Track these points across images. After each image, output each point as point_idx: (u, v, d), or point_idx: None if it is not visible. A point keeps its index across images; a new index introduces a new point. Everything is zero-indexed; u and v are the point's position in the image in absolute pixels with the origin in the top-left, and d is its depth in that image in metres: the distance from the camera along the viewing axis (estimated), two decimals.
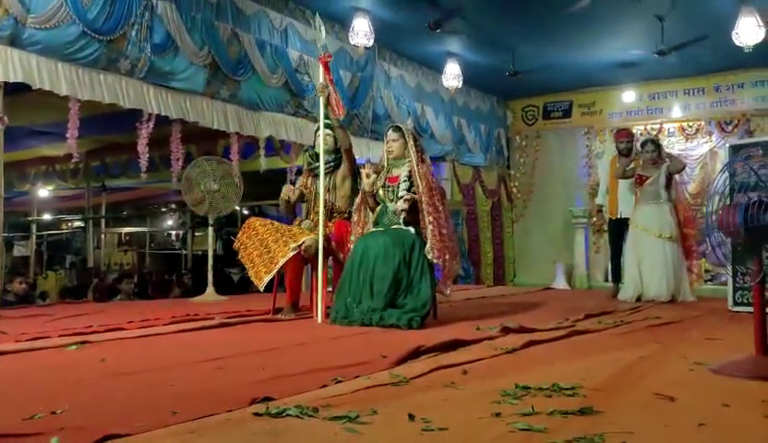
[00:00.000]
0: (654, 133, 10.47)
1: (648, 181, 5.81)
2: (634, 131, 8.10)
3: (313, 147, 4.78)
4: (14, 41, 4.90)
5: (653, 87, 10.78)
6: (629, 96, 10.80)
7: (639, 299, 5.67)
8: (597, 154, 11.25)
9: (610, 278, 7.04)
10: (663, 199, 5.76)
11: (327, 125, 4.58)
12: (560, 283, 10.52)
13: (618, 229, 6.33)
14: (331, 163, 4.57)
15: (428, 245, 3.93)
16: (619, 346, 3.10)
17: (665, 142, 7.62)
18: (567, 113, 11.68)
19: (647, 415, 1.84)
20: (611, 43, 8.82)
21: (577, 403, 1.90)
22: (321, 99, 4.39)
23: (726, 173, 2.54)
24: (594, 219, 10.67)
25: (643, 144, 6.07)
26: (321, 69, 4.36)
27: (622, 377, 2.35)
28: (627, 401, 2.01)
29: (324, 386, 2.17)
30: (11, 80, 4.93)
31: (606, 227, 7.98)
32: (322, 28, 4.46)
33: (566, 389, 2.07)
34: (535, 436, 1.60)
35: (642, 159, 5.93)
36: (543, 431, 1.62)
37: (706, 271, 9.90)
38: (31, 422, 1.70)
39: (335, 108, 4.41)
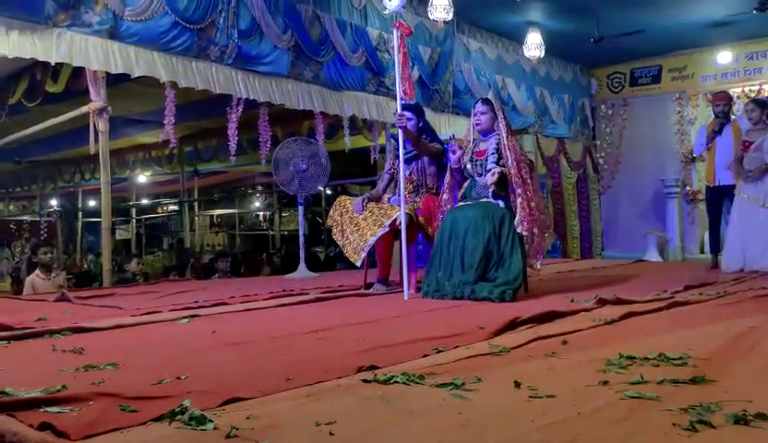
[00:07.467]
0: (753, 95, 9.84)
1: (752, 146, 5.48)
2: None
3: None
4: (113, 34, 5.18)
5: (750, 46, 10.12)
6: (724, 57, 10.18)
7: (741, 270, 5.40)
8: (689, 120, 10.71)
9: (708, 249, 6.72)
10: None
11: (407, 108, 4.52)
12: (652, 256, 10.14)
13: (717, 197, 6.02)
14: (414, 151, 4.55)
15: (517, 218, 3.90)
16: (725, 316, 2.98)
17: None
18: (656, 79, 11.16)
19: (764, 384, 1.78)
20: (703, 2, 8.33)
21: (687, 373, 1.86)
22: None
23: None
24: (688, 188, 10.18)
25: (746, 105, 5.72)
26: (397, 48, 4.20)
27: (732, 347, 2.27)
28: (740, 370, 1.95)
29: (425, 355, 2.22)
30: (113, 71, 5.22)
31: (701, 196, 7.62)
32: None
33: (674, 359, 2.02)
34: (648, 403, 1.58)
35: (748, 118, 5.58)
36: (655, 399, 1.60)
37: None
38: (160, 386, 1.83)
39: (407, 90, 4.32)
